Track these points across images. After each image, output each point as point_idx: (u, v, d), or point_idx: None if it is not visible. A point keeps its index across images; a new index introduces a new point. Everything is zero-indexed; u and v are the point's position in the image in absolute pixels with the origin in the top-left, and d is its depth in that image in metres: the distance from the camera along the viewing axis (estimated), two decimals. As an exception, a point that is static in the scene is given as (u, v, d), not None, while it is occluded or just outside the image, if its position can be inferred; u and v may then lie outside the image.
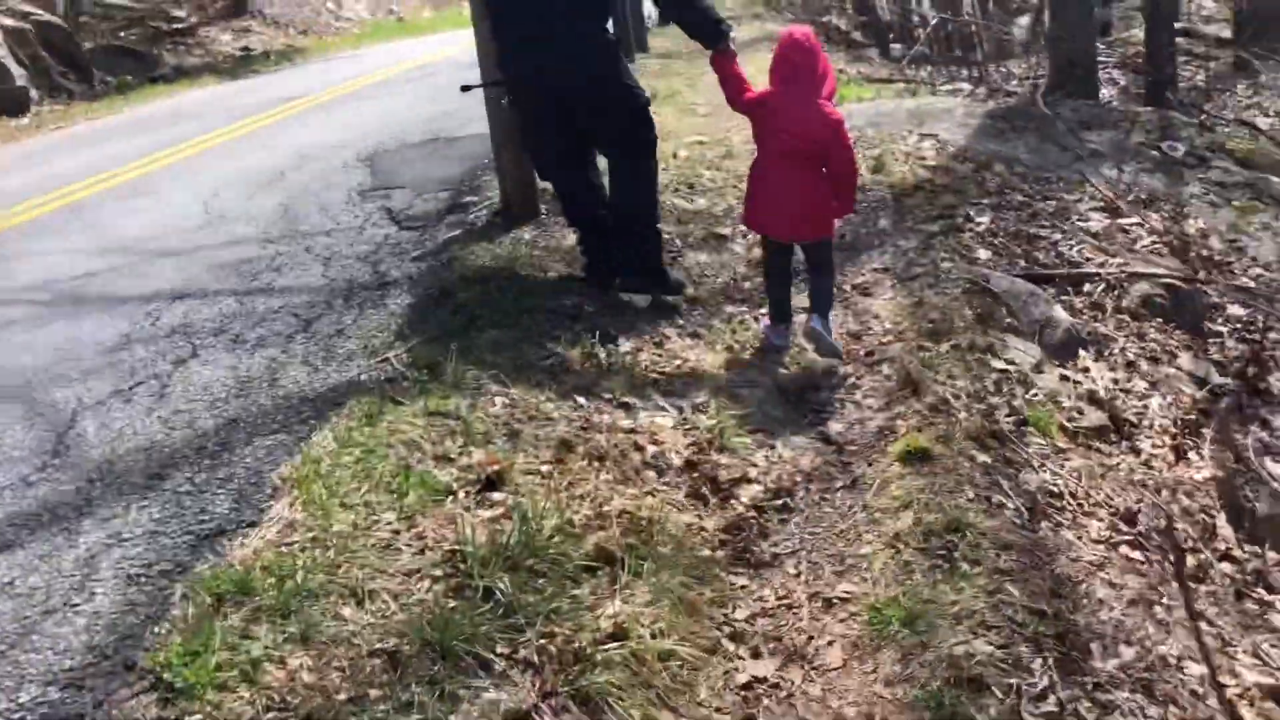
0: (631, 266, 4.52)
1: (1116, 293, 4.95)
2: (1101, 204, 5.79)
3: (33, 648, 2.44)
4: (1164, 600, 2.97)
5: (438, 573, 2.60)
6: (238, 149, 8.27)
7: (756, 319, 4.50)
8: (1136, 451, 3.91)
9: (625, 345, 4.12)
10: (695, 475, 3.40)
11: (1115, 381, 4.33)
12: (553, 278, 4.70)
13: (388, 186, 6.54)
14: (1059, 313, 4.57)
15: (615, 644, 2.45)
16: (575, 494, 3.02)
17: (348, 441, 3.19)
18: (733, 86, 4.17)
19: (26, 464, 3.35)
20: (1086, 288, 4.98)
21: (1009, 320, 4.43)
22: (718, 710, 2.49)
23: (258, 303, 4.65)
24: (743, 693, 2.57)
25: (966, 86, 10.39)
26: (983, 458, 3.40)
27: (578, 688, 2.30)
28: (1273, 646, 3.09)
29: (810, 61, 3.96)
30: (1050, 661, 2.54)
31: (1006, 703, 2.40)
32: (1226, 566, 3.45)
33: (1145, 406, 4.23)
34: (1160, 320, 4.89)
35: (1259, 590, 3.39)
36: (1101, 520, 3.33)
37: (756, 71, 4.34)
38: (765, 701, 2.55)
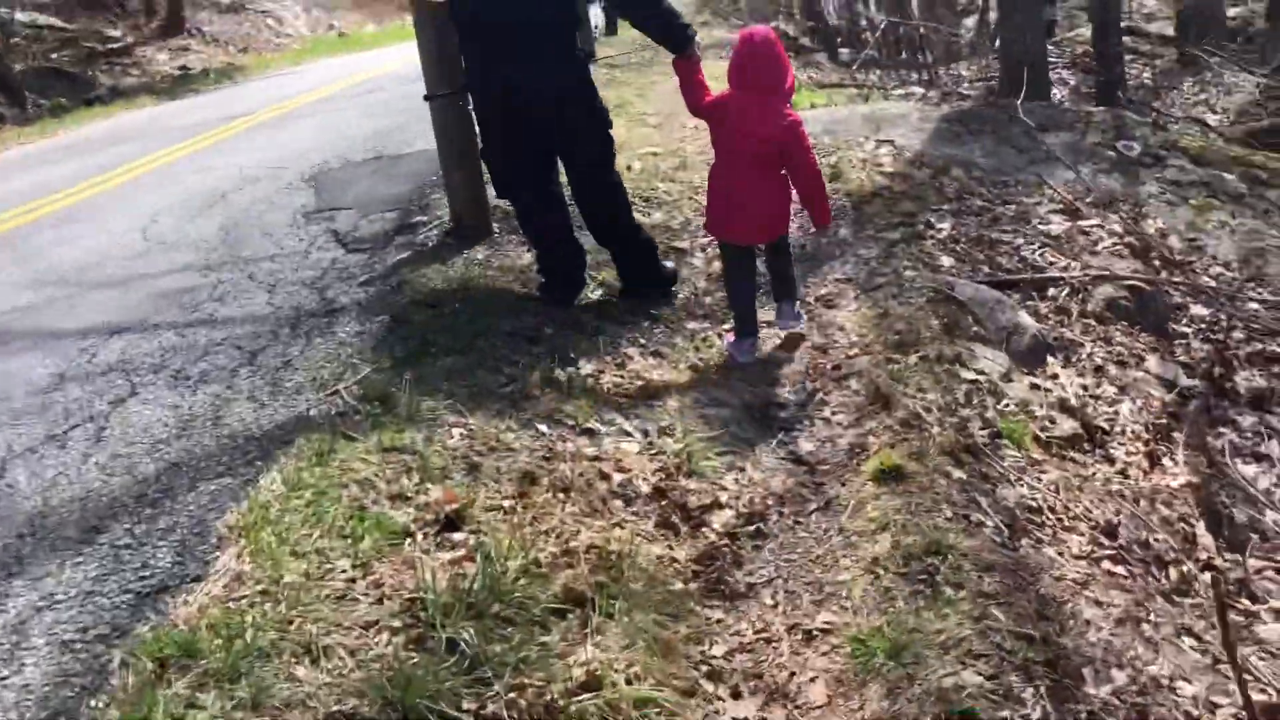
0: (640, 275, 4.63)
1: (1081, 296, 4.90)
2: (1061, 206, 5.76)
3: (-45, 731, 2.25)
4: (1151, 617, 2.89)
5: (397, 624, 2.45)
6: (177, 171, 8.00)
7: (720, 335, 4.39)
8: (1111, 460, 3.84)
9: (586, 368, 3.98)
10: (664, 503, 3.27)
11: (1085, 388, 4.26)
12: (509, 298, 4.55)
13: (333, 207, 6.32)
14: (1025, 319, 4.50)
15: (589, 694, 2.32)
16: (540, 529, 2.88)
17: (297, 483, 3.02)
18: (694, 92, 4.11)
19: (-49, 519, 3.12)
20: (1051, 292, 4.92)
21: (975, 328, 4.35)
22: (699, 760, 2.36)
23: (200, 335, 4.44)
24: (724, 738, 2.44)
25: (918, 90, 10.41)
26: (958, 474, 3.31)
27: (551, 745, 2.16)
28: (1260, 659, 3.02)
29: (771, 64, 3.90)
30: (1042, 690, 2.44)
31: (1000, 737, 2.30)
32: (1209, 577, 3.38)
33: (1116, 412, 4.17)
34: (1125, 323, 4.85)
35: (1243, 600, 3.33)
36: (1082, 535, 3.25)
37: (709, 78, 4.24)
38: (748, 747, 2.43)
